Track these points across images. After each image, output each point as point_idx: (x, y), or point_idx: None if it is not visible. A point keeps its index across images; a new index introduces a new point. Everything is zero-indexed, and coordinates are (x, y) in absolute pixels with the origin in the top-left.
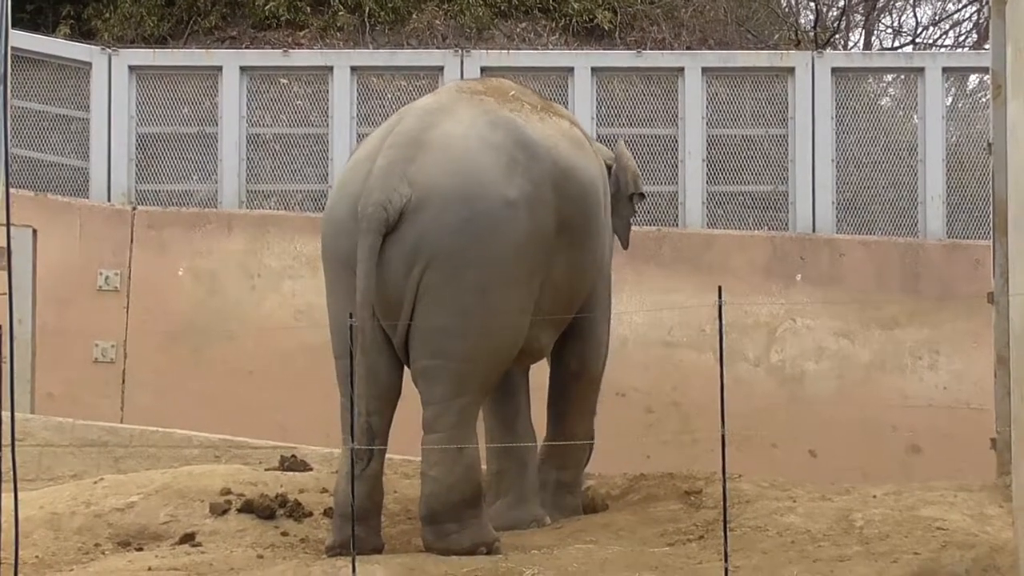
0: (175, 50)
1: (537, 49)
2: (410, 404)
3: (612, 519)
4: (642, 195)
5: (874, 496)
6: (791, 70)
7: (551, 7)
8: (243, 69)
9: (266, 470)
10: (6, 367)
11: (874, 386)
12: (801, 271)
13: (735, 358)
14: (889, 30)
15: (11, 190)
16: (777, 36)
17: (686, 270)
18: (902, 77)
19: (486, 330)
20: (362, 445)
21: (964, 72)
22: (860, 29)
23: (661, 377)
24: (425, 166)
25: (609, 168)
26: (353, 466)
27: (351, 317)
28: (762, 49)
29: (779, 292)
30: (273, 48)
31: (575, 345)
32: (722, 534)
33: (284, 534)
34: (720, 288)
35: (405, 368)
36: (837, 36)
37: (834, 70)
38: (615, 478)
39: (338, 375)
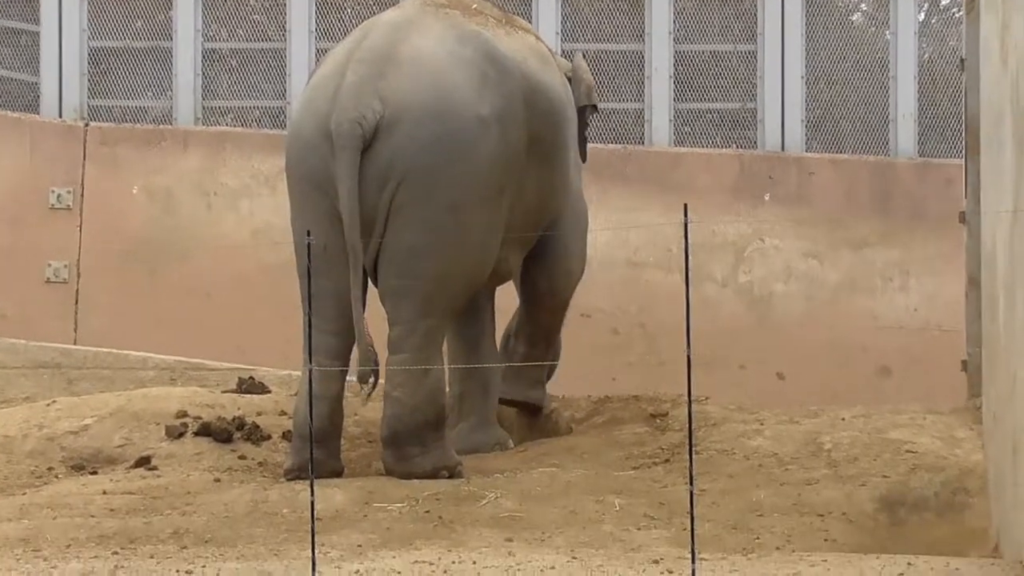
0: None
1: None
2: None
3: (576, 442)
4: (595, 107)
5: (843, 419)
6: None
7: None
8: None
9: (223, 392)
10: None
11: (844, 308)
12: (769, 190)
13: (702, 279)
14: None
15: None
16: None
17: (652, 189)
18: None
19: (456, 249)
20: (367, 366)
21: None
22: None
23: (627, 298)
24: (396, 82)
25: (570, 80)
26: (311, 387)
27: (309, 235)
28: None
29: (747, 212)
30: None
31: (545, 264)
32: (688, 457)
33: (241, 457)
34: (686, 207)
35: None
36: None
37: None
38: (579, 400)
39: (302, 292)
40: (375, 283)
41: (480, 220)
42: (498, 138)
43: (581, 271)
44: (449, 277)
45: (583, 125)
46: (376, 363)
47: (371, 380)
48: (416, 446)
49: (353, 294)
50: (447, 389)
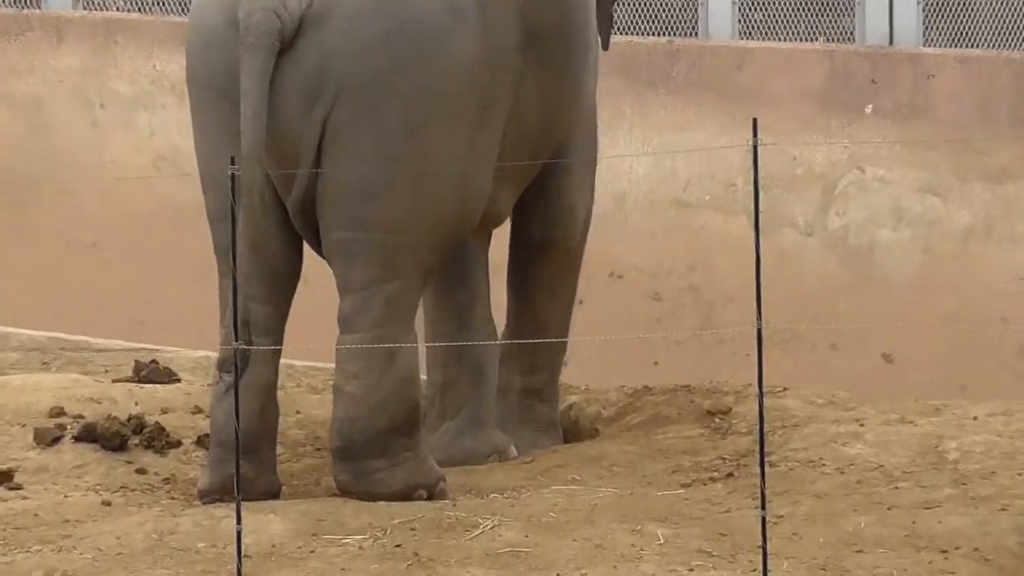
0: None
1: None
2: (319, 287)
3: (604, 450)
4: None
5: (974, 418)
6: None
7: None
8: None
9: (114, 381)
10: None
11: (975, 263)
12: (872, 100)
13: (778, 224)
14: None
15: None
16: None
17: (709, 98)
18: None
19: (422, 188)
20: (245, 343)
21: None
22: None
23: (673, 251)
24: None
25: None
26: (237, 376)
27: (233, 163)
28: None
29: (841, 130)
30: None
31: (542, 206)
32: (758, 471)
33: (140, 472)
34: (756, 124)
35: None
36: None
37: None
38: (608, 392)
39: (216, 246)
40: (305, 237)
41: (454, 146)
42: (478, 32)
43: (589, 213)
44: (413, 225)
45: (607, 1)
46: (262, 337)
47: (231, 368)
48: (380, 457)
49: (236, 249)
50: (423, 377)
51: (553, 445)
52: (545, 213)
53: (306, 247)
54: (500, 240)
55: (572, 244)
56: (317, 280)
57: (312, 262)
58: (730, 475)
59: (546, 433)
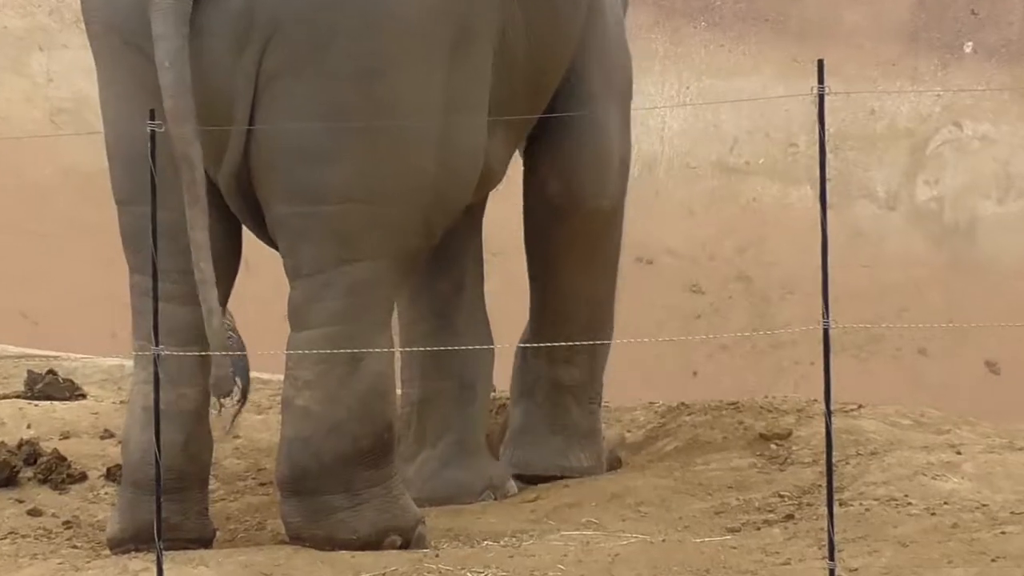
0: None
1: None
2: (264, 276)
3: (628, 484)
4: None
5: None
6: None
7: None
8: None
9: (1, 398)
10: None
11: None
12: (972, 37)
13: (852, 194)
14: None
15: None
16: None
17: (763, 35)
18: None
19: (383, 145)
20: (224, 366)
21: None
22: None
23: (717, 230)
24: None
25: None
26: (158, 391)
27: (153, 118)
28: None
29: (932, 75)
30: None
31: (562, 154)
32: (825, 511)
33: (34, 513)
34: (822, 67)
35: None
36: None
37: None
38: (635, 411)
39: (123, 230)
40: (241, 215)
41: (425, 93)
42: None
43: (627, 162)
44: (379, 195)
45: None
46: (241, 359)
47: (234, 392)
48: (342, 493)
49: (192, 236)
50: (397, 392)
51: (591, 463)
52: (567, 164)
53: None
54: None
55: (606, 202)
56: (260, 267)
57: (253, 244)
58: (789, 517)
59: (582, 445)
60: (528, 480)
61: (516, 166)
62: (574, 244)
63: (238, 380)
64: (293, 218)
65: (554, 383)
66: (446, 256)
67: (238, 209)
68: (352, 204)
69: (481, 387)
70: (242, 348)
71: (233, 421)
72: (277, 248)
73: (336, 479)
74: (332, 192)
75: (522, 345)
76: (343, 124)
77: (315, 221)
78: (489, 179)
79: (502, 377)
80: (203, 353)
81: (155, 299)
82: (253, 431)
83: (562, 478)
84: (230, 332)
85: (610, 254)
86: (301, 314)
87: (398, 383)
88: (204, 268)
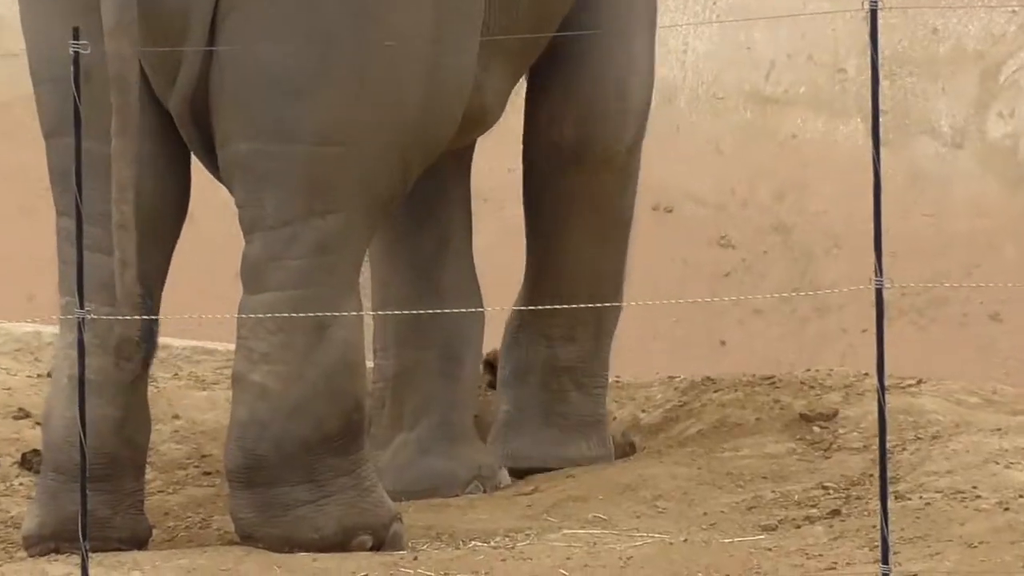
0: None
1: None
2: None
3: (643, 474)
4: None
5: None
6: None
7: None
8: None
9: None
10: None
11: None
12: None
13: (911, 130)
14: None
15: None
16: None
17: None
18: None
19: (368, 75)
20: (104, 306)
21: None
22: None
23: (750, 172)
24: None
25: None
26: (83, 357)
27: (77, 38)
28: None
29: None
30: None
31: (573, 91)
32: (878, 506)
33: None
34: None
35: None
36: None
37: None
38: (651, 387)
39: (51, 166)
40: (195, 150)
41: (421, 16)
42: None
43: (647, 98)
44: (360, 135)
45: None
46: (149, 320)
47: (139, 352)
48: (303, 484)
49: (115, 171)
50: (369, 365)
51: (597, 451)
52: (579, 101)
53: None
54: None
55: (623, 147)
56: (207, 215)
57: (199, 187)
58: (835, 513)
59: (584, 435)
60: (523, 474)
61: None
62: (582, 196)
63: (144, 347)
64: (256, 158)
65: (552, 363)
66: (429, 204)
67: (192, 142)
68: (330, 146)
69: (468, 358)
70: (148, 304)
71: (134, 381)
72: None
73: (297, 468)
74: (308, 130)
75: (517, 309)
76: (322, 50)
77: (284, 163)
78: (484, 118)
79: (493, 345)
80: (141, 317)
81: (79, 248)
82: (196, 410)
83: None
84: (138, 291)
85: (624, 209)
86: (259, 273)
87: (369, 354)
88: (124, 211)
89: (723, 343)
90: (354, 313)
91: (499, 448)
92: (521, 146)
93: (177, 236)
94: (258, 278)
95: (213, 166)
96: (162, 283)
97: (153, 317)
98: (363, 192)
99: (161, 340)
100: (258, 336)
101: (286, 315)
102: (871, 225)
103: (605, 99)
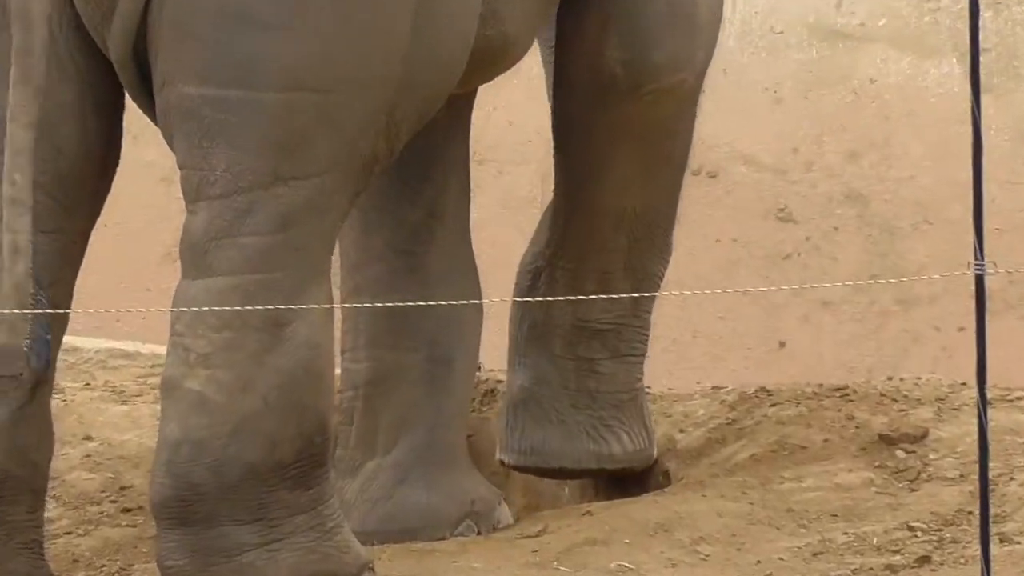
0: None
1: None
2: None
3: (681, 510)
4: None
5: None
6: None
7: None
8: None
9: None
10: None
11: None
12: None
13: (1019, 72)
14: None
15: None
16: None
17: None
18: None
19: (355, 8)
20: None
21: None
22: None
23: (818, 126)
24: None
25: None
26: None
27: None
28: None
29: None
30: None
31: (626, 7)
32: (979, 551)
33: None
34: None
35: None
36: None
37: None
38: (692, 400)
39: None
40: (132, 93)
41: None
42: None
43: (717, 19)
44: (339, 80)
45: None
46: (43, 330)
47: (27, 368)
48: (249, 523)
49: (10, 131)
50: (336, 371)
51: (638, 445)
52: (635, 15)
53: None
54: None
55: (690, 77)
56: (128, 182)
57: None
58: (925, 560)
59: (622, 420)
60: (545, 474)
61: None
62: (633, 129)
63: (33, 359)
64: (207, 105)
65: (578, 327)
66: (417, 169)
67: (131, 86)
68: (302, 92)
69: (460, 362)
70: (36, 294)
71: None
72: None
73: (242, 503)
74: (275, 72)
75: (534, 251)
76: None
77: (243, 113)
78: (506, 51)
79: (493, 349)
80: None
81: None
82: (113, 430)
83: (599, 471)
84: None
85: (680, 147)
86: (202, 253)
87: (337, 358)
88: (19, 182)
89: (782, 344)
90: (322, 306)
91: (509, 439)
92: (548, 77)
93: (99, 210)
94: (201, 259)
95: (153, 112)
96: (75, 271)
97: (51, 312)
98: (341, 152)
99: (69, 341)
100: (197, 333)
101: (235, 308)
102: (969, 194)
103: (665, 18)
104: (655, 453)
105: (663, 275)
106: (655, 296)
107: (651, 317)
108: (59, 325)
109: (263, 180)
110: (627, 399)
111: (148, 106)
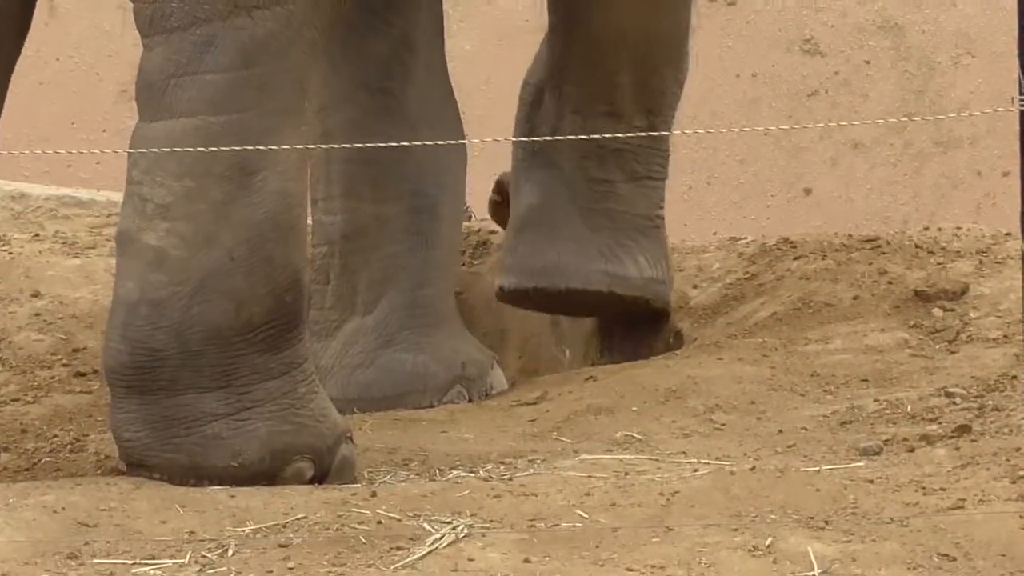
0: None
1: None
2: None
3: (695, 374)
4: None
5: None
6: None
7: None
8: None
9: None
10: None
11: None
12: None
13: None
14: None
15: None
16: None
17: None
18: None
19: None
20: None
21: None
22: None
23: None
24: None
25: None
26: None
27: None
28: None
29: None
30: None
31: None
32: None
33: None
34: None
35: None
36: None
37: None
38: (706, 253)
39: None
40: None
41: None
42: None
43: None
44: None
45: None
46: None
47: None
48: (215, 391)
49: None
50: (308, 219)
51: (655, 272)
52: None
53: None
54: None
55: None
56: (75, 9)
57: None
58: (964, 430)
59: (639, 242)
60: (556, 298)
61: None
62: None
63: None
64: None
65: (592, 143)
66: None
67: None
68: None
69: (446, 212)
70: None
71: None
72: None
73: (207, 369)
74: None
75: (536, 69)
76: None
77: None
78: None
79: (484, 196)
80: None
81: None
82: (64, 286)
83: (610, 297)
84: None
85: None
86: (160, 93)
87: (310, 208)
88: None
89: (807, 191)
90: (296, 147)
91: (517, 259)
92: None
93: (21, 44)
94: (159, 99)
95: None
96: (6, 82)
97: None
98: None
99: (13, 187)
100: (156, 181)
101: (197, 151)
102: (1015, 22)
103: None
104: (671, 298)
105: (678, 93)
106: (672, 116)
107: (669, 142)
108: None
109: (222, 10)
110: (647, 227)
111: None
